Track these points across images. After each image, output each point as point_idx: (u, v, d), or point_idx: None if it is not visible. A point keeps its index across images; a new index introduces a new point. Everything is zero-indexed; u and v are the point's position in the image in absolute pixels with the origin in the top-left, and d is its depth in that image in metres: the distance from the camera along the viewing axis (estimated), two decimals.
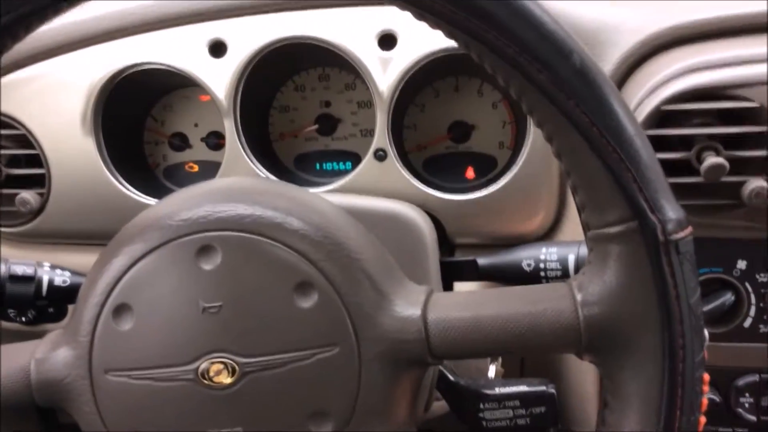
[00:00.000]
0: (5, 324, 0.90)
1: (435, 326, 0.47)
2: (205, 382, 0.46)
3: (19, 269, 0.65)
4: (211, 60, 0.80)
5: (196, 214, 0.48)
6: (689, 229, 0.43)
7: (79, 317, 0.49)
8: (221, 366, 0.46)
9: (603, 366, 0.46)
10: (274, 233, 0.48)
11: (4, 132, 0.84)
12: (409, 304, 0.48)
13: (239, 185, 0.52)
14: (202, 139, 0.89)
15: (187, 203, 0.49)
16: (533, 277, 0.64)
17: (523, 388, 0.56)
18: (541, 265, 0.64)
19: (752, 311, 0.72)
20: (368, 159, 0.79)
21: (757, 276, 0.72)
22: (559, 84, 0.41)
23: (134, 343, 0.47)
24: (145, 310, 0.47)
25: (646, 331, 0.43)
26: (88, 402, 0.48)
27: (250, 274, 0.47)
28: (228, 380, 0.46)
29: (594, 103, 0.41)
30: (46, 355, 0.49)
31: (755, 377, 0.74)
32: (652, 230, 0.41)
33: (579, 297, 0.45)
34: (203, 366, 0.46)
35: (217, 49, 0.80)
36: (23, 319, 0.88)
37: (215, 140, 0.89)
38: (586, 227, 0.45)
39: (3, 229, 0.87)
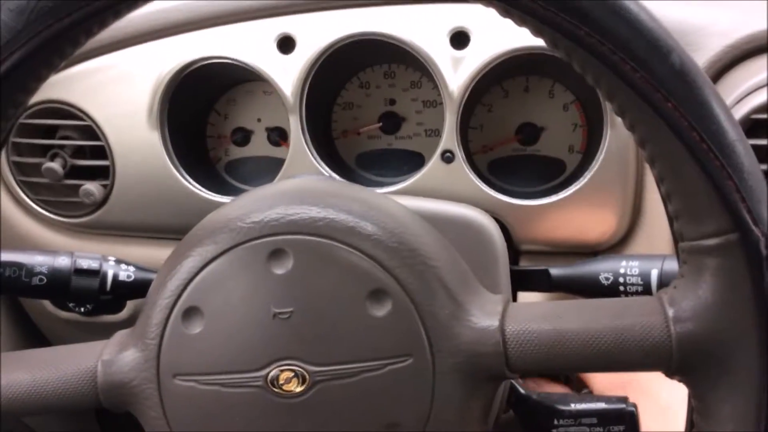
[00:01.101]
0: (63, 314, 0.91)
1: (513, 339, 0.45)
2: (275, 389, 0.45)
3: (85, 263, 0.64)
4: (279, 55, 0.79)
5: (268, 216, 0.47)
6: None
7: (147, 319, 0.48)
8: (291, 374, 0.45)
9: (694, 386, 0.43)
10: (347, 238, 0.46)
11: (70, 122, 0.84)
12: (486, 314, 0.46)
13: (312, 187, 0.51)
14: (267, 129, 0.88)
15: (259, 205, 0.48)
16: (611, 291, 0.61)
17: (601, 405, 0.54)
18: (621, 280, 0.61)
19: None
20: (435, 160, 0.77)
21: None
22: (656, 84, 0.38)
23: (203, 347, 0.46)
24: (215, 313, 0.46)
25: (743, 351, 0.40)
26: (155, 406, 0.47)
27: (323, 280, 0.46)
28: (298, 389, 0.45)
29: (694, 105, 0.38)
30: (114, 356, 0.48)
31: None
32: (755, 244, 0.39)
33: (671, 312, 0.42)
34: (273, 373, 0.45)
35: (286, 44, 0.79)
36: (82, 309, 0.89)
37: (277, 136, 0.88)
38: (679, 238, 0.43)
39: (66, 220, 0.87)
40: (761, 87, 0.64)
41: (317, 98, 0.81)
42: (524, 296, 0.74)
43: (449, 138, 0.76)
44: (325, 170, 0.80)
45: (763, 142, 0.63)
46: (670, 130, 0.39)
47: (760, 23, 0.67)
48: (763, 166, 0.63)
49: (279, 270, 0.46)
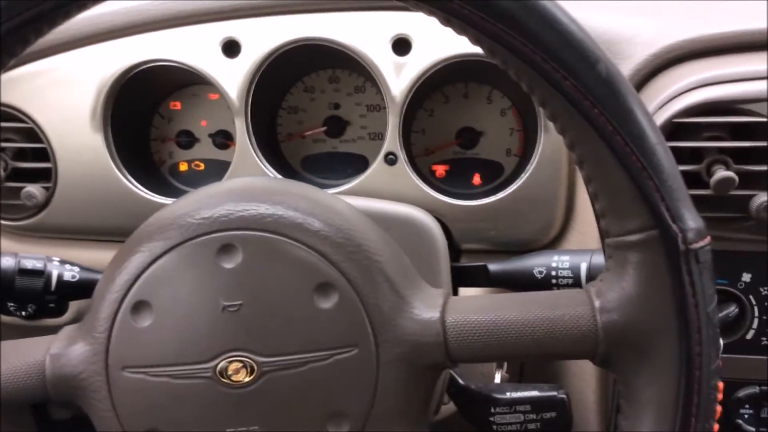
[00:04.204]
0: (4, 318, 0.90)
1: (453, 329, 0.47)
2: (223, 380, 0.46)
3: (29, 263, 0.64)
4: (224, 59, 0.80)
5: (218, 212, 0.48)
6: (708, 239, 0.43)
7: (96, 313, 0.48)
8: (239, 365, 0.46)
9: (619, 372, 0.46)
10: (295, 233, 0.48)
11: (11, 125, 0.83)
12: (428, 307, 0.48)
13: (260, 185, 0.52)
14: (210, 135, 0.89)
15: (208, 202, 0.49)
16: (544, 284, 0.64)
17: (534, 393, 0.57)
18: (553, 273, 0.64)
19: (755, 323, 0.73)
20: (378, 162, 0.79)
21: (761, 289, 0.72)
22: (584, 92, 0.41)
23: (152, 340, 0.47)
24: (165, 307, 0.47)
25: (663, 338, 0.43)
26: (104, 399, 0.48)
27: (271, 273, 0.47)
28: (246, 379, 0.46)
29: (618, 111, 0.41)
30: (62, 350, 0.49)
31: (755, 389, 0.75)
32: (673, 239, 0.42)
33: (597, 303, 0.45)
34: (222, 364, 0.46)
35: (231, 48, 0.80)
36: (23, 313, 0.88)
37: (222, 139, 0.89)
38: (605, 234, 0.46)
39: (7, 223, 0.86)
40: (682, 93, 0.68)
41: (263, 102, 0.83)
42: (464, 292, 0.77)
43: (392, 141, 0.78)
44: (271, 173, 0.81)
45: (684, 144, 0.67)
46: (596, 134, 0.42)
47: (682, 33, 0.72)
48: (685, 167, 0.67)
49: (228, 264, 0.47)
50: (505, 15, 0.40)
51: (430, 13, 0.43)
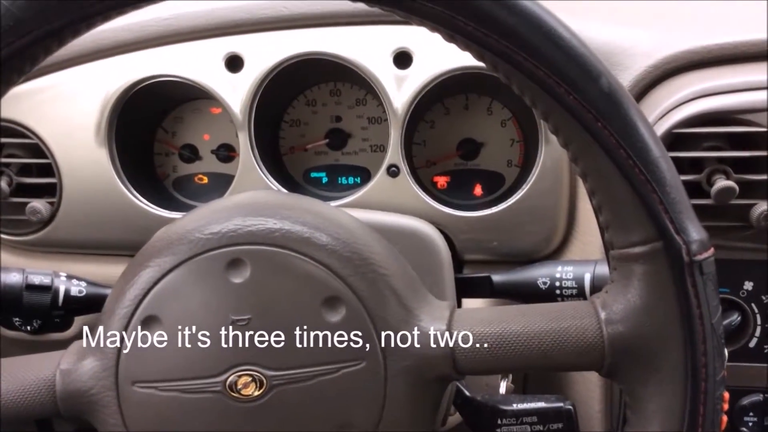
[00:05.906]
0: (8, 332, 0.90)
1: (460, 342, 0.47)
2: (233, 394, 0.47)
3: (37, 279, 0.65)
4: (227, 74, 0.81)
5: (226, 227, 0.49)
6: (712, 250, 0.44)
7: (106, 328, 0.49)
8: (249, 378, 0.47)
9: (625, 383, 0.47)
10: (302, 248, 0.48)
11: (16, 140, 0.84)
12: (434, 319, 0.49)
13: (268, 200, 0.53)
14: (213, 152, 0.90)
15: (217, 217, 0.50)
16: (548, 295, 0.65)
17: (540, 404, 0.57)
18: (557, 284, 0.64)
19: (758, 332, 0.74)
20: (381, 175, 0.79)
21: (763, 297, 0.73)
22: (587, 105, 0.42)
23: (162, 354, 0.47)
24: (174, 322, 0.48)
25: (669, 349, 0.44)
26: (114, 414, 0.48)
27: (279, 287, 0.48)
28: (255, 393, 0.47)
29: (621, 124, 0.42)
30: (72, 366, 0.49)
31: (759, 397, 0.75)
32: (677, 251, 0.42)
33: (603, 315, 0.45)
34: (231, 378, 0.47)
35: (234, 63, 0.81)
36: (28, 328, 0.88)
37: (225, 153, 0.89)
38: (609, 246, 0.46)
39: (12, 238, 0.87)
40: (681, 104, 0.69)
41: (265, 115, 0.83)
42: (468, 303, 0.77)
43: (394, 153, 0.79)
44: (274, 186, 0.82)
45: (684, 154, 0.68)
46: (599, 148, 0.43)
47: (681, 44, 0.72)
48: (685, 177, 0.68)
49: (237, 279, 0.48)
50: (508, 31, 0.41)
51: (433, 29, 0.43)
